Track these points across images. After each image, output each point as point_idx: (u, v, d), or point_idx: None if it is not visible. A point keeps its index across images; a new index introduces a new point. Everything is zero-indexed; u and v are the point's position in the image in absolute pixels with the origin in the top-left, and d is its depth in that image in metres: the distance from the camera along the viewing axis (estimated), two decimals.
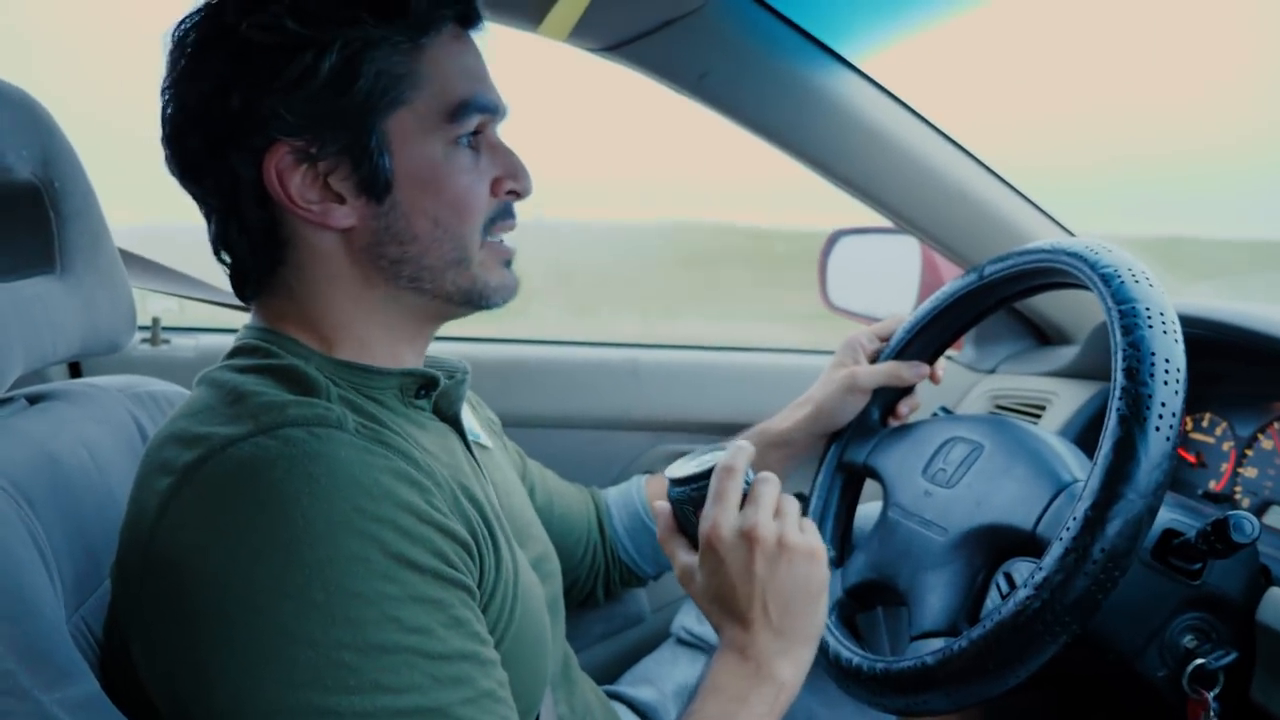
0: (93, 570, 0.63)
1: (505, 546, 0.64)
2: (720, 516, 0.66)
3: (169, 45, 0.62)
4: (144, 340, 1.33)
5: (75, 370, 1.25)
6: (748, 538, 0.65)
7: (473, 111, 0.64)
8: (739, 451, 0.70)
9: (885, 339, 0.98)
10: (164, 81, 0.62)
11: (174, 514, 0.53)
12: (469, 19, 0.66)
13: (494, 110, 0.66)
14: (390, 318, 0.67)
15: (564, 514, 0.95)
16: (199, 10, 0.61)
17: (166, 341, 1.34)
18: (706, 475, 0.70)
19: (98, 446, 0.70)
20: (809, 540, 0.67)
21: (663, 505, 0.73)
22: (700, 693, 0.64)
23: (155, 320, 1.33)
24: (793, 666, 0.65)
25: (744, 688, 0.64)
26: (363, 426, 0.57)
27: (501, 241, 0.69)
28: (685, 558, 0.70)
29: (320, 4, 0.59)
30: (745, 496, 0.68)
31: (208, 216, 0.65)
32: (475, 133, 0.65)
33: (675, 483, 0.71)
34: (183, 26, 0.61)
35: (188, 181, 0.64)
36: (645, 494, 1.01)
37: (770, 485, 0.68)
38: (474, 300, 0.68)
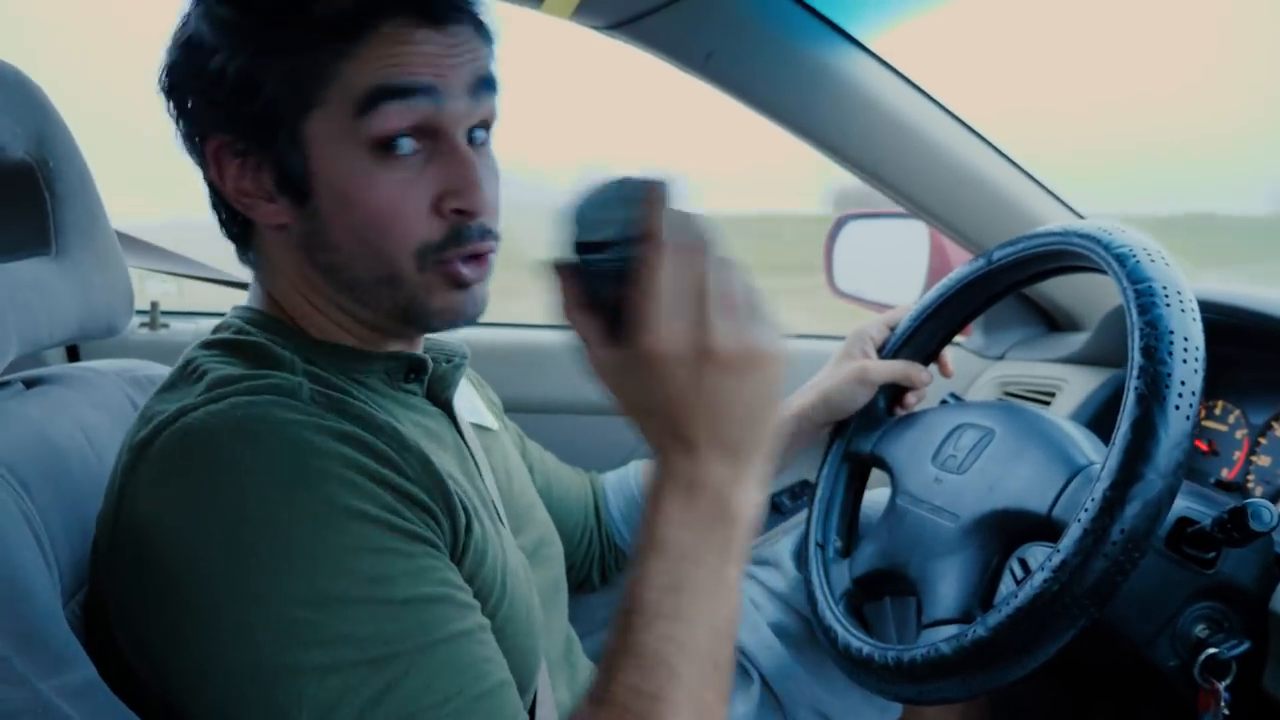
0: (89, 555, 0.62)
1: (492, 528, 0.63)
2: (666, 326, 0.49)
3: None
4: (143, 325, 1.32)
5: (73, 354, 1.24)
6: (705, 355, 0.49)
7: (384, 99, 0.56)
8: (669, 200, 0.50)
9: (894, 328, 0.97)
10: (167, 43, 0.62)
11: (131, 488, 0.53)
12: (427, 12, 0.58)
13: (423, 92, 0.57)
14: (347, 319, 0.65)
15: (562, 497, 0.95)
16: None
17: (165, 326, 1.33)
18: (631, 243, 0.50)
19: (95, 431, 0.69)
20: (773, 339, 0.51)
21: (563, 267, 0.53)
22: (641, 552, 0.52)
23: (154, 304, 1.32)
24: (751, 493, 0.53)
25: (694, 539, 0.52)
26: (320, 394, 0.57)
27: (455, 266, 0.61)
28: (601, 351, 0.53)
29: (232, 8, 0.58)
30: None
31: None
32: (419, 145, 0.59)
33: (585, 246, 0.51)
34: None
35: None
36: (642, 479, 1.00)
37: (727, 271, 0.50)
38: (412, 321, 0.63)
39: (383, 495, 0.53)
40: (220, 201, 0.64)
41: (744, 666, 0.95)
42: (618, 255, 0.50)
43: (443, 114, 0.59)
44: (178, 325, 1.34)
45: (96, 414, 0.71)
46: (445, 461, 0.63)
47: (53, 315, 0.63)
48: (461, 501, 0.59)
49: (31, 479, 0.59)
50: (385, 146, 0.58)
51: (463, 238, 0.60)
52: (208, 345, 0.62)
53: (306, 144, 0.59)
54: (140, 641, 0.53)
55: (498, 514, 0.69)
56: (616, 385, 0.53)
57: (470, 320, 0.63)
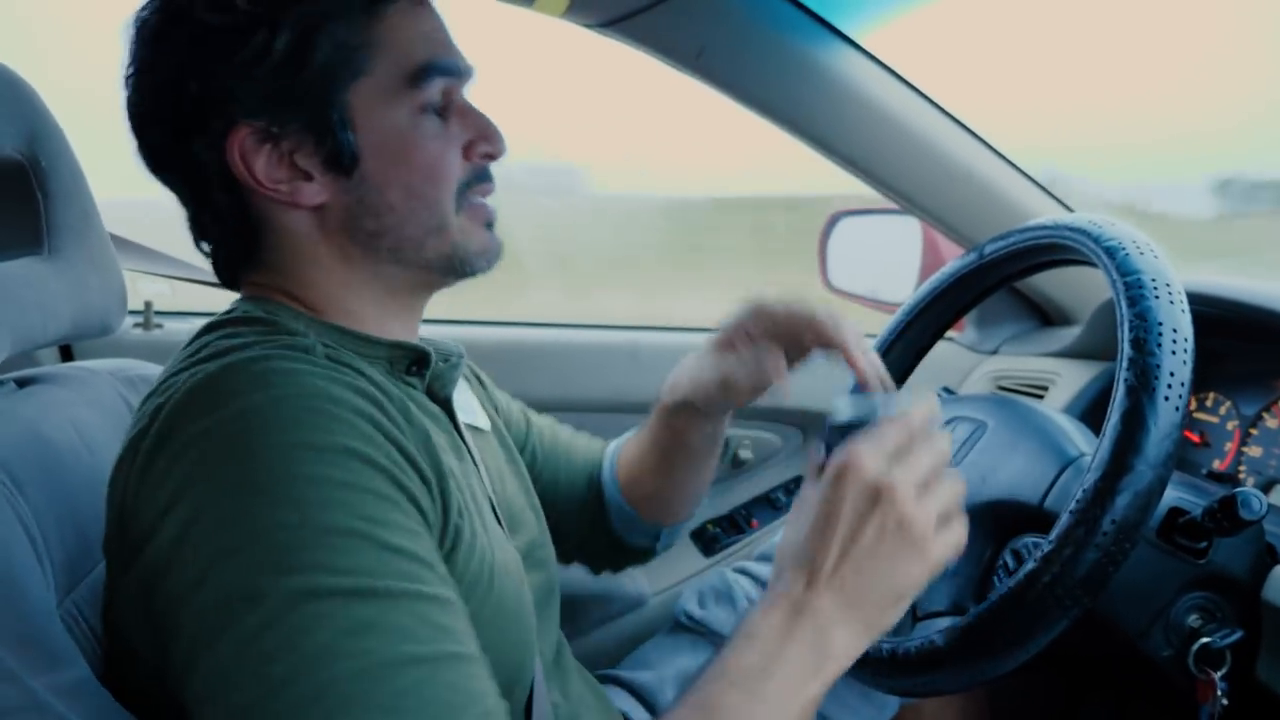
0: (84, 554, 0.62)
1: (481, 524, 0.63)
2: (868, 451, 0.56)
3: (130, 34, 0.61)
4: (137, 325, 1.32)
5: (67, 355, 1.24)
6: (879, 488, 0.55)
7: (434, 75, 0.63)
8: (923, 405, 0.59)
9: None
10: (125, 71, 0.61)
11: (144, 454, 0.53)
12: None
13: (457, 73, 0.65)
14: (374, 293, 0.66)
15: (582, 450, 0.95)
16: None
17: (159, 326, 1.33)
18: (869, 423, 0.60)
19: (88, 429, 0.69)
20: (941, 545, 0.57)
21: (818, 450, 0.63)
22: (734, 636, 0.56)
23: (148, 304, 1.32)
24: (855, 642, 0.57)
25: (787, 649, 0.55)
26: (333, 357, 0.58)
27: (481, 203, 0.68)
28: (809, 489, 0.60)
29: None
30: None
31: (184, 205, 0.65)
32: (443, 102, 0.65)
33: (834, 429, 0.62)
34: (141, 14, 0.61)
35: (158, 171, 0.64)
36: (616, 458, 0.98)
37: (937, 450, 0.58)
38: (456, 268, 0.67)
39: (390, 450, 0.54)
40: (234, 208, 0.63)
41: None
42: (861, 422, 0.59)
43: (461, 84, 0.66)
44: (171, 325, 1.34)
45: (90, 413, 0.71)
46: (440, 453, 0.63)
47: (45, 314, 0.63)
48: (459, 493, 0.60)
49: (25, 478, 0.59)
50: (420, 109, 0.63)
51: (482, 177, 0.68)
52: (214, 326, 0.62)
53: (353, 112, 0.61)
54: (142, 592, 0.52)
55: (494, 511, 0.69)
56: (798, 509, 0.59)
57: (496, 258, 0.69)
